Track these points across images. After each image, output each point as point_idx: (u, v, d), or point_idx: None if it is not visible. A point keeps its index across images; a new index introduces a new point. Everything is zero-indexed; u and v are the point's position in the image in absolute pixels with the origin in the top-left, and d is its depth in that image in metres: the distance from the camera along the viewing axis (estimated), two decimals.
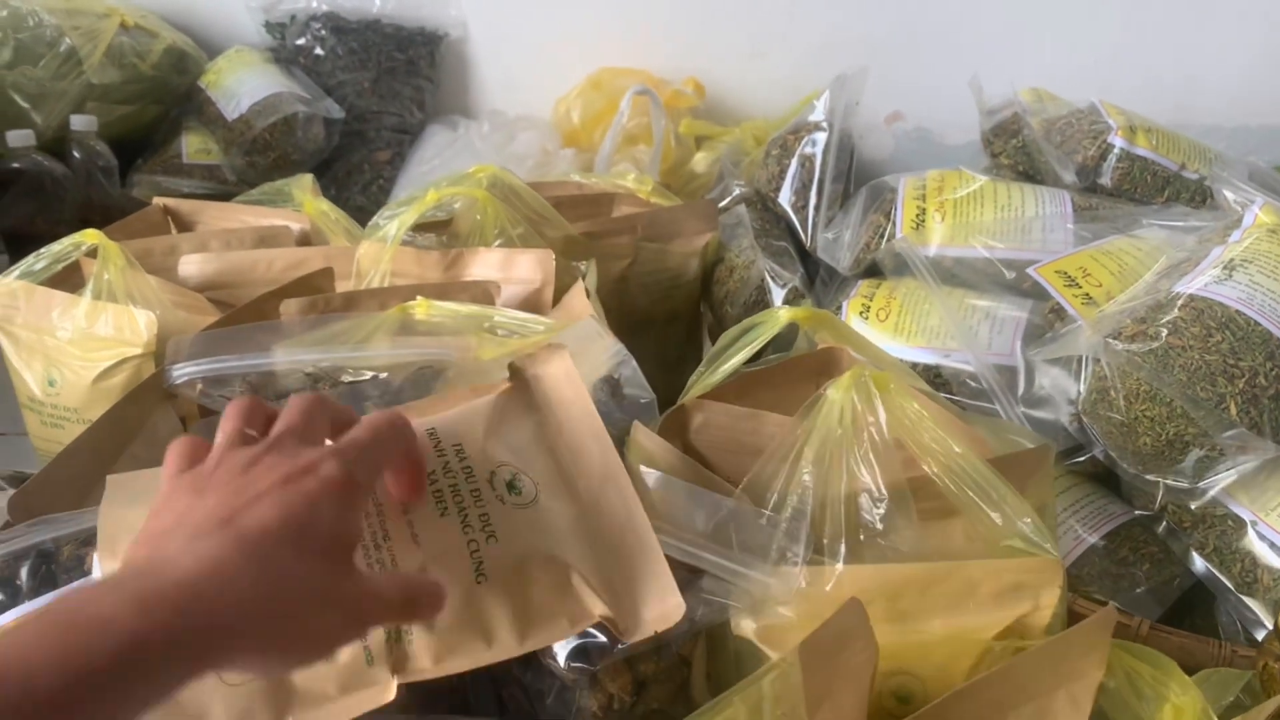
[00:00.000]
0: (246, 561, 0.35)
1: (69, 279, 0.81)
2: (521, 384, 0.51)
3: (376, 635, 0.44)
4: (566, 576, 0.45)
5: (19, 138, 1.19)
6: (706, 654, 0.53)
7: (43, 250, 0.80)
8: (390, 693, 0.43)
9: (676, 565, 0.48)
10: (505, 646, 0.44)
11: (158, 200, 0.99)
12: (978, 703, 0.46)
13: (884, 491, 0.51)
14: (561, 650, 0.47)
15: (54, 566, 0.46)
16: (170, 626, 0.32)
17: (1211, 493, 0.67)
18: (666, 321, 1.02)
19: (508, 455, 0.47)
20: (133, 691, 0.31)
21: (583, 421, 0.50)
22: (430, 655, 0.43)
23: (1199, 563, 0.69)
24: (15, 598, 0.46)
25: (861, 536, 0.51)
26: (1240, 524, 0.67)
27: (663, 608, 0.45)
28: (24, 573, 0.46)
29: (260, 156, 1.34)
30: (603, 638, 0.47)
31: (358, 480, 0.40)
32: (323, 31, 1.47)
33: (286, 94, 1.36)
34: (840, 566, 0.50)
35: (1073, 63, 1.39)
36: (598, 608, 0.44)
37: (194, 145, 1.38)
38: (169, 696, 0.33)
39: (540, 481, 0.47)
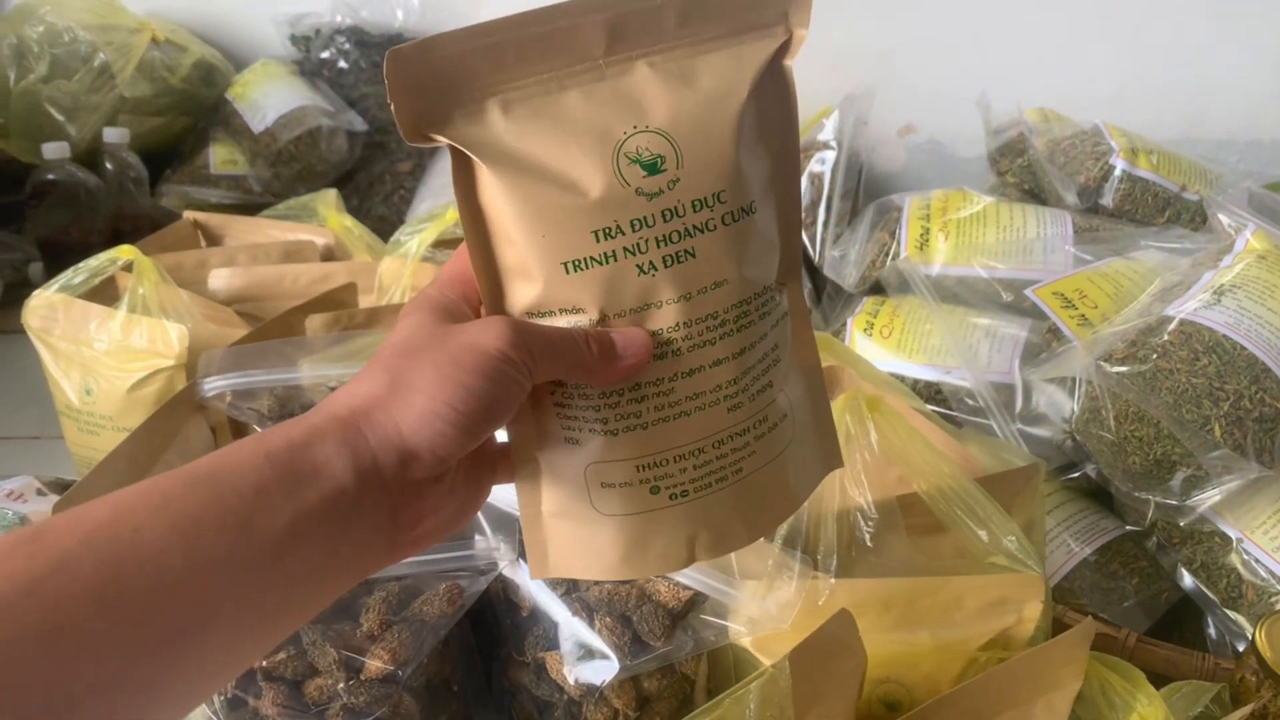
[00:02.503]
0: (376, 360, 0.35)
1: (105, 292, 0.85)
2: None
3: None
4: None
5: (54, 150, 1.23)
6: (708, 667, 0.56)
7: (80, 265, 0.84)
8: None
9: (682, 590, 0.51)
10: None
11: (188, 214, 1.03)
12: (961, 709, 0.49)
13: (875, 510, 0.54)
14: (570, 667, 0.50)
15: None
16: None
17: (1199, 510, 0.69)
18: None
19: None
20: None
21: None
22: None
23: (1187, 578, 0.71)
24: None
25: (853, 552, 0.54)
26: (1226, 541, 0.69)
27: None
28: None
29: (285, 168, 1.38)
30: (611, 656, 0.50)
31: None
32: (346, 45, 1.51)
33: (311, 107, 1.40)
34: (833, 580, 0.52)
35: (1086, 76, 1.40)
36: None
37: (221, 156, 1.42)
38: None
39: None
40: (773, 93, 0.40)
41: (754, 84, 0.38)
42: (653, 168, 0.36)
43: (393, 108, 0.35)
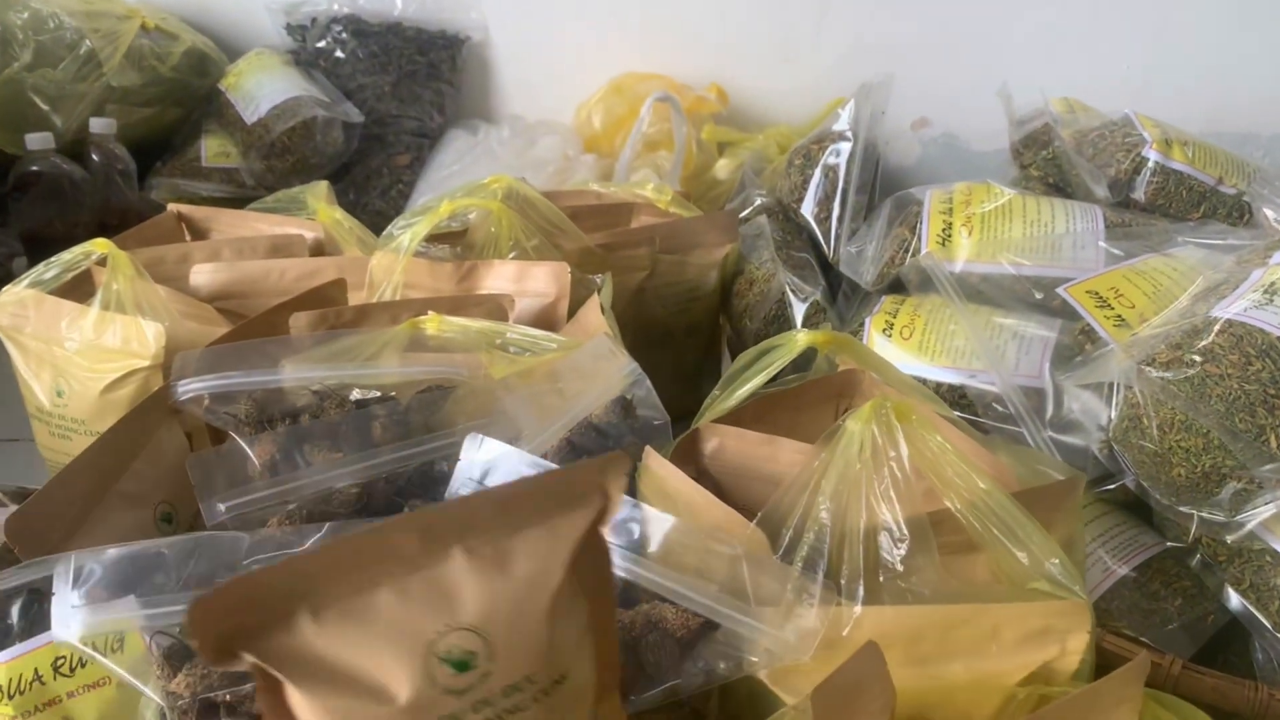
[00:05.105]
0: None
1: (79, 288, 0.80)
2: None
3: None
4: None
5: (38, 140, 1.19)
6: (720, 701, 0.51)
7: (53, 259, 0.79)
8: None
9: (692, 617, 0.47)
10: None
11: (172, 206, 0.98)
12: None
13: (904, 529, 0.49)
14: None
15: (46, 606, 0.45)
16: None
17: (1249, 526, 0.64)
18: (685, 334, 1.00)
19: None
20: None
21: None
22: None
23: (1235, 599, 0.66)
24: (7, 636, 0.44)
25: (881, 576, 0.49)
26: (1278, 559, 0.64)
27: None
28: (15, 612, 0.45)
29: (279, 160, 1.34)
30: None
31: None
32: (344, 34, 1.46)
33: (306, 98, 1.35)
34: (858, 608, 0.48)
35: (1105, 68, 1.36)
36: None
37: (213, 148, 1.38)
38: None
39: None
40: (588, 557, 0.39)
41: (570, 560, 0.37)
42: (463, 666, 0.35)
43: (193, 634, 0.32)
